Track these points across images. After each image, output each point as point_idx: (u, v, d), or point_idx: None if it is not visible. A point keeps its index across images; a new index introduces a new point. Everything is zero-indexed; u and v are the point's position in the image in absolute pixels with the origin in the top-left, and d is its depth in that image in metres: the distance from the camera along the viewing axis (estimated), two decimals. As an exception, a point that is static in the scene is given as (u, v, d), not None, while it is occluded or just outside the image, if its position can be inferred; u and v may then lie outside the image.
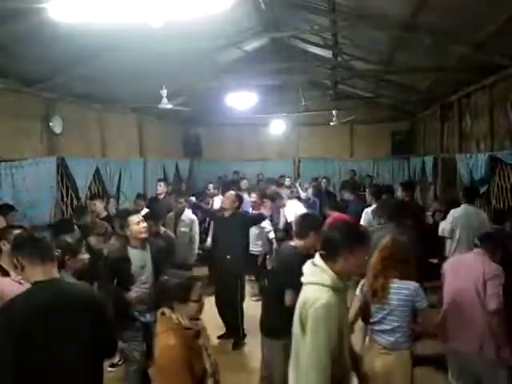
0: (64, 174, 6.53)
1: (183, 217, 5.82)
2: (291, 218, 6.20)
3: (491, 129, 6.16)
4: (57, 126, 6.29)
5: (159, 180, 7.92)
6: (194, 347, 2.25)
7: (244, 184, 8.91)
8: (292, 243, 3.30)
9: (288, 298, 2.98)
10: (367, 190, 6.50)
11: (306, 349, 2.04)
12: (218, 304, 5.13)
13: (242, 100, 7.85)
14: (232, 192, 5.44)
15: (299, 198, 7.86)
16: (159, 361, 2.19)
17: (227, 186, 7.64)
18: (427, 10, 4.56)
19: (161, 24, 2.60)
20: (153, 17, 2.56)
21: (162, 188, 7.41)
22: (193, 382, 2.17)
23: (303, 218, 3.41)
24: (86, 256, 3.33)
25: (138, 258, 3.70)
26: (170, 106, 6.35)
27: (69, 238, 3.36)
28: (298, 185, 8.88)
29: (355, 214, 5.57)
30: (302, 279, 2.23)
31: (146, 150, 9.33)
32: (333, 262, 2.15)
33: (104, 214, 5.87)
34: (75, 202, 6.76)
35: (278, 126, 11.08)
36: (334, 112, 9.74)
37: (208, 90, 8.68)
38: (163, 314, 2.30)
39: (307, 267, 2.25)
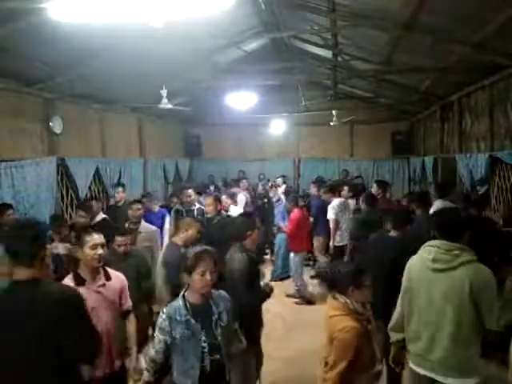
0: (64, 174, 6.52)
1: (141, 228, 4.95)
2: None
3: (491, 129, 6.16)
4: (57, 126, 6.29)
5: (117, 185, 6.90)
6: (365, 331, 2.46)
7: (243, 184, 8.94)
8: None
9: None
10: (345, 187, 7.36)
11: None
12: None
13: (242, 100, 7.86)
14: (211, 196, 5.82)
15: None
16: (341, 341, 2.39)
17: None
18: (427, 10, 4.56)
19: (161, 24, 2.60)
20: (153, 17, 2.57)
21: (120, 195, 6.55)
22: (362, 364, 2.40)
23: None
24: None
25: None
26: (169, 106, 6.36)
27: None
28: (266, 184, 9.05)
29: (316, 207, 7.10)
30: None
31: (146, 150, 9.34)
32: None
33: (100, 217, 5.57)
34: (75, 202, 6.76)
35: (277, 126, 11.09)
36: (333, 112, 9.75)
37: (208, 89, 8.68)
38: (335, 298, 2.54)
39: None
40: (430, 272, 2.64)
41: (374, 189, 6.74)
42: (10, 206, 4.76)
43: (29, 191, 5.51)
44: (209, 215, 5.30)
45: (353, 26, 6.18)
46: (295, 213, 6.54)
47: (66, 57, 5.25)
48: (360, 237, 5.61)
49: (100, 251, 2.84)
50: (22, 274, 1.99)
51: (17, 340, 1.93)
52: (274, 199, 8.41)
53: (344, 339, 2.39)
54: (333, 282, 2.59)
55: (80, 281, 2.76)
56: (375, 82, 8.87)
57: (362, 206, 6.02)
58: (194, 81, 7.64)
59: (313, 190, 7.69)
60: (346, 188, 7.28)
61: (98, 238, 2.88)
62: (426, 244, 2.77)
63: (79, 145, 7.06)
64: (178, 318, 2.43)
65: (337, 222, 6.56)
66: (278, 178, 10.22)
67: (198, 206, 6.10)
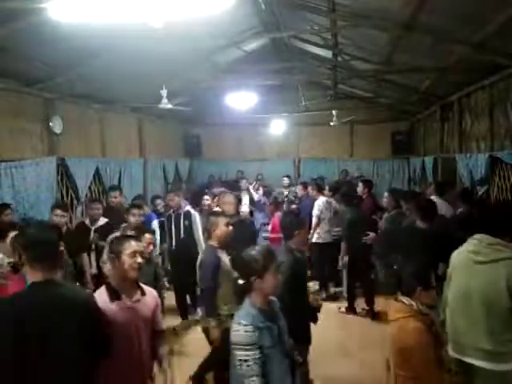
0: (64, 173, 6.52)
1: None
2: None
3: (491, 129, 6.15)
4: (57, 126, 6.29)
5: (113, 188, 6.62)
6: (431, 333, 2.43)
7: (244, 184, 8.94)
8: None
9: None
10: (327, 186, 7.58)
11: None
12: None
13: (242, 100, 7.86)
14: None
15: (252, 200, 8.48)
16: (407, 342, 2.37)
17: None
18: (427, 10, 4.56)
19: (161, 24, 2.60)
20: (153, 17, 2.57)
21: (118, 199, 6.36)
22: (435, 365, 2.37)
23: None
24: None
25: None
26: (169, 106, 6.35)
27: None
28: (251, 187, 9.06)
29: (305, 207, 7.22)
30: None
31: (146, 150, 9.33)
32: None
33: (102, 221, 5.39)
34: (75, 202, 6.76)
35: (277, 126, 11.09)
36: (333, 112, 9.74)
37: (208, 89, 8.68)
38: (399, 300, 2.51)
39: None
40: (472, 263, 2.84)
41: (359, 188, 7.06)
42: (8, 206, 4.75)
43: (29, 191, 5.51)
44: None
45: (353, 26, 6.17)
46: (279, 216, 6.62)
47: (66, 57, 5.25)
48: (350, 237, 5.75)
49: (139, 259, 2.53)
50: (41, 275, 2.05)
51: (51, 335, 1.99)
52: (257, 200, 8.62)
53: (416, 340, 2.37)
54: (400, 283, 2.57)
55: (115, 295, 2.45)
56: (375, 82, 8.87)
57: (340, 206, 6.49)
58: (194, 81, 7.64)
59: (301, 192, 7.80)
60: (327, 187, 7.45)
61: (136, 244, 2.58)
62: (473, 237, 2.97)
63: (79, 145, 7.05)
64: (261, 324, 2.15)
65: (319, 220, 6.68)
66: (283, 177, 10.22)
67: (186, 209, 5.84)
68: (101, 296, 2.41)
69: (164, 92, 6.15)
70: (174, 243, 5.78)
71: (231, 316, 3.39)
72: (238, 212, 5.31)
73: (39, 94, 5.97)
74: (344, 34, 6.74)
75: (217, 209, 6.56)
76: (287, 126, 11.18)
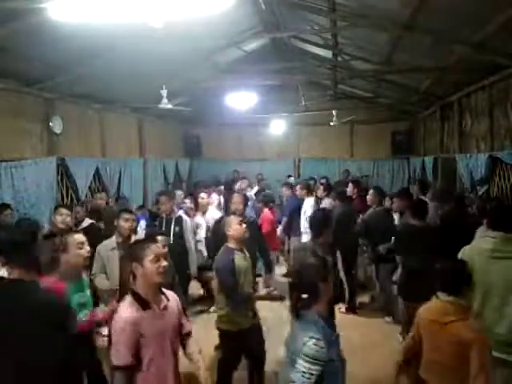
0: (64, 174, 6.52)
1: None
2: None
3: (491, 129, 6.15)
4: (57, 126, 6.29)
5: (100, 191, 6.60)
6: None
7: (242, 184, 8.92)
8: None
9: None
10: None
11: None
12: None
13: (242, 100, 7.86)
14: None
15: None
16: (476, 343, 2.36)
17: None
18: (427, 10, 4.56)
19: (161, 24, 2.60)
20: (153, 17, 2.57)
21: (102, 200, 6.31)
22: None
23: None
24: None
25: None
26: (169, 106, 6.35)
27: None
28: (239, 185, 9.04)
29: (292, 207, 7.14)
30: None
31: (146, 150, 9.33)
32: None
33: (86, 222, 5.12)
34: (75, 202, 6.76)
35: (277, 126, 11.09)
36: (333, 112, 9.74)
37: (208, 90, 8.68)
38: (447, 301, 2.51)
39: None
40: (491, 260, 2.94)
41: (349, 188, 7.14)
42: (8, 206, 4.76)
43: (29, 191, 5.51)
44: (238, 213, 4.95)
45: (353, 26, 6.17)
46: (267, 213, 6.72)
47: (66, 57, 5.25)
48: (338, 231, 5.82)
49: (164, 263, 2.38)
50: (17, 275, 2.07)
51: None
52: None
53: (483, 341, 2.39)
54: (446, 282, 2.58)
55: (144, 304, 2.30)
56: (375, 82, 8.87)
57: (335, 202, 6.52)
58: (194, 81, 7.64)
59: (286, 192, 7.80)
60: (321, 187, 7.48)
61: (158, 247, 2.45)
62: (484, 235, 3.21)
63: (79, 145, 7.06)
64: (331, 338, 2.06)
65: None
66: (288, 177, 10.28)
67: (178, 214, 5.46)
68: (130, 307, 2.28)
69: (164, 92, 6.14)
70: None
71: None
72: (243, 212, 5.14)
73: (39, 94, 5.97)
74: (344, 34, 6.74)
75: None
76: (287, 126, 11.18)
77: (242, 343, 3.57)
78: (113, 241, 4.10)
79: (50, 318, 2.03)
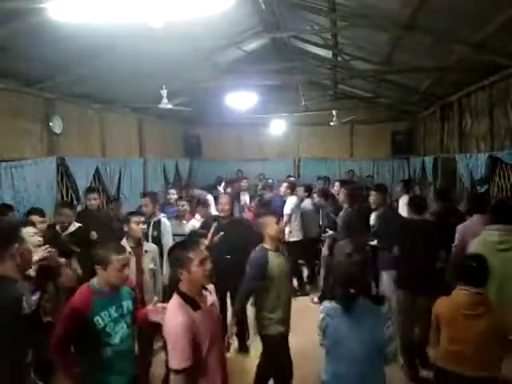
0: (64, 173, 6.52)
1: (146, 246, 4.12)
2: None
3: (491, 129, 6.15)
4: (57, 126, 6.29)
5: (90, 190, 6.06)
6: None
7: (244, 184, 8.94)
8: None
9: None
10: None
11: None
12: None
13: (242, 100, 7.86)
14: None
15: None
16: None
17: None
18: (427, 10, 4.56)
19: (161, 24, 2.60)
20: (153, 17, 2.56)
21: (96, 201, 5.74)
22: None
23: None
24: None
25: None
26: (169, 106, 6.35)
27: None
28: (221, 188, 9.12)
29: (276, 208, 6.97)
30: None
31: (146, 150, 9.33)
32: None
33: (74, 226, 4.71)
34: (75, 202, 6.76)
35: (277, 126, 11.08)
36: (333, 112, 9.74)
37: (208, 90, 8.68)
38: (473, 292, 2.70)
39: None
40: (499, 253, 3.16)
41: (335, 187, 7.34)
42: (10, 208, 4.76)
43: (29, 191, 5.51)
44: (222, 214, 4.93)
45: (353, 26, 6.17)
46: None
47: (66, 57, 5.25)
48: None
49: (209, 265, 2.44)
50: None
51: None
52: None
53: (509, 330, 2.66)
54: (474, 275, 2.73)
55: (194, 305, 2.36)
56: (375, 82, 8.87)
57: (317, 200, 6.82)
58: (194, 81, 7.63)
59: (268, 193, 7.97)
60: (301, 188, 7.48)
61: (203, 252, 2.50)
62: (487, 229, 3.46)
63: (79, 145, 7.05)
64: None
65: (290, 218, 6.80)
66: (288, 178, 10.17)
67: (158, 218, 5.11)
68: (181, 310, 2.31)
69: (164, 92, 6.14)
70: None
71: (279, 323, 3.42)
72: (232, 213, 5.08)
73: (39, 94, 5.97)
74: (344, 34, 6.74)
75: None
76: (287, 126, 11.18)
77: (281, 349, 3.54)
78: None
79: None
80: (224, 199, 5.05)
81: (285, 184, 7.18)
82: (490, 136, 6.17)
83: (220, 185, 9.32)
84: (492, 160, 5.87)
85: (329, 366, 2.45)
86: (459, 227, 4.22)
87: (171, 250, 2.60)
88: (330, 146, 11.63)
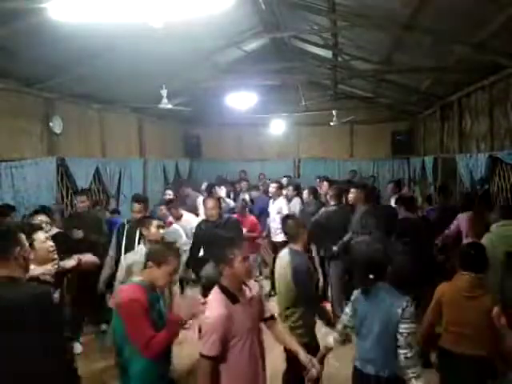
0: (64, 173, 6.52)
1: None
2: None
3: (491, 129, 6.15)
4: (57, 126, 6.29)
5: (80, 192, 5.86)
6: None
7: (244, 185, 8.93)
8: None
9: None
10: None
11: None
12: None
13: (242, 100, 7.86)
14: None
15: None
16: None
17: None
18: (427, 10, 4.56)
19: (161, 24, 2.60)
20: (153, 17, 2.57)
21: (85, 203, 5.49)
22: None
23: None
24: None
25: None
26: (169, 106, 6.35)
27: None
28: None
29: (260, 207, 7.38)
30: None
31: (146, 150, 9.33)
32: None
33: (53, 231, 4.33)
34: (75, 202, 6.75)
35: (277, 126, 11.08)
36: (333, 112, 9.74)
37: (208, 90, 8.68)
38: (475, 277, 2.92)
39: None
40: None
41: (323, 187, 7.45)
42: (13, 208, 4.78)
43: (29, 191, 5.52)
44: (212, 219, 4.72)
45: (353, 26, 6.17)
46: (251, 218, 6.46)
47: (66, 57, 5.25)
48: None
49: (249, 263, 2.59)
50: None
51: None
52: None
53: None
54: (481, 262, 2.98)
55: (234, 298, 2.47)
56: (375, 82, 8.87)
57: (309, 198, 6.83)
58: (194, 81, 7.64)
59: (291, 193, 7.72)
60: (290, 188, 7.54)
61: (244, 249, 2.59)
62: (500, 224, 3.99)
63: (79, 145, 7.06)
64: None
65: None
66: (283, 178, 10.08)
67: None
68: (221, 302, 2.42)
69: (164, 92, 6.15)
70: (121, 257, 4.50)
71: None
72: (220, 216, 4.83)
73: (39, 94, 5.97)
74: (344, 34, 6.74)
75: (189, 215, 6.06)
76: (287, 126, 11.17)
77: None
78: (142, 251, 3.58)
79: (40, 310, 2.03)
80: (210, 203, 4.75)
81: (274, 184, 7.16)
82: (490, 136, 6.17)
83: (220, 186, 9.21)
84: (492, 160, 5.87)
85: (358, 342, 2.73)
86: (458, 216, 5.11)
87: (215, 246, 2.69)
88: (329, 146, 11.62)
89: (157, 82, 6.25)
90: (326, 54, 8.38)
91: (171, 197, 6.96)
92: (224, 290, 2.49)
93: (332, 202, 5.84)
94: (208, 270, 4.03)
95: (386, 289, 2.63)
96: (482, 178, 6.06)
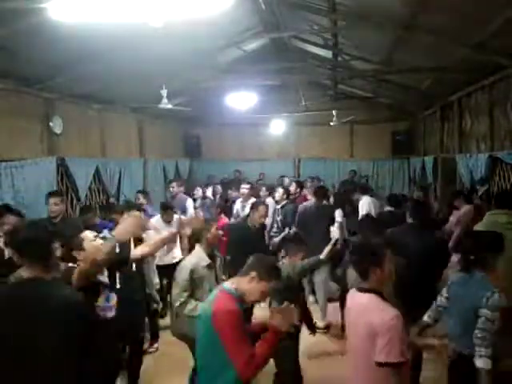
0: (64, 173, 6.52)
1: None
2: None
3: (491, 129, 6.15)
4: (57, 126, 6.29)
5: (51, 194, 4.92)
6: None
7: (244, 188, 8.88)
8: None
9: None
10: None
11: None
12: None
13: (242, 100, 7.86)
14: None
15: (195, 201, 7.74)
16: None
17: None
18: (427, 10, 4.57)
19: (161, 24, 2.60)
20: (153, 17, 2.57)
21: (59, 207, 4.78)
22: None
23: None
24: None
25: None
26: (169, 106, 6.36)
27: None
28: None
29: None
30: None
31: (146, 150, 9.33)
32: None
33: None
34: (75, 202, 6.76)
35: (277, 126, 11.09)
36: (333, 112, 9.75)
37: (208, 90, 8.68)
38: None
39: None
40: (510, 232, 3.49)
41: (292, 187, 7.70)
42: (10, 210, 4.72)
43: (29, 191, 5.51)
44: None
45: (353, 26, 6.18)
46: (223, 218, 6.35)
47: (66, 57, 5.25)
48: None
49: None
50: (30, 274, 2.07)
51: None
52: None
53: None
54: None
55: (386, 300, 2.48)
56: (375, 82, 8.87)
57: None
58: (194, 81, 7.64)
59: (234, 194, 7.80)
60: (280, 190, 7.18)
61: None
62: (491, 213, 4.07)
63: (79, 145, 7.05)
64: None
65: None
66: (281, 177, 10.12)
67: None
68: (385, 303, 2.29)
69: (164, 92, 6.15)
70: None
71: None
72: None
73: (39, 94, 5.97)
74: (344, 34, 6.74)
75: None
76: (287, 126, 11.18)
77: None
78: (202, 256, 3.44)
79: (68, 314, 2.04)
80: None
81: (263, 188, 7.30)
82: (490, 136, 6.17)
83: (208, 187, 8.73)
84: (492, 160, 5.87)
85: (448, 319, 2.85)
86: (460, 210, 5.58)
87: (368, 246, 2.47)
88: (329, 146, 11.63)
89: (157, 82, 6.25)
90: (326, 54, 8.38)
91: (175, 188, 6.92)
92: (379, 294, 2.33)
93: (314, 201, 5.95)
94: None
95: (481, 276, 2.69)
96: (482, 178, 6.06)
